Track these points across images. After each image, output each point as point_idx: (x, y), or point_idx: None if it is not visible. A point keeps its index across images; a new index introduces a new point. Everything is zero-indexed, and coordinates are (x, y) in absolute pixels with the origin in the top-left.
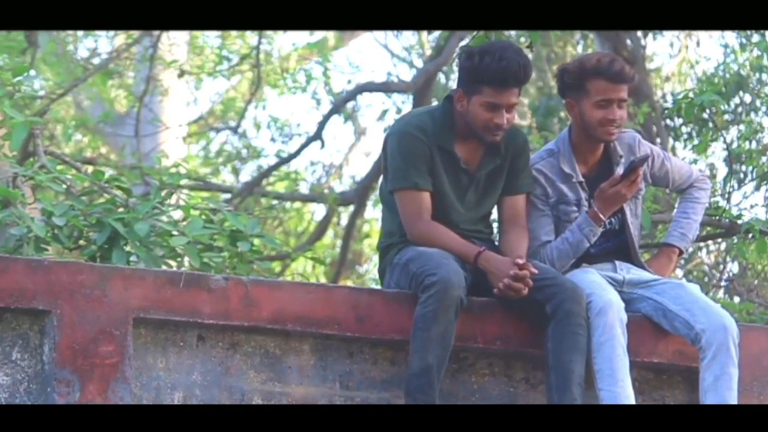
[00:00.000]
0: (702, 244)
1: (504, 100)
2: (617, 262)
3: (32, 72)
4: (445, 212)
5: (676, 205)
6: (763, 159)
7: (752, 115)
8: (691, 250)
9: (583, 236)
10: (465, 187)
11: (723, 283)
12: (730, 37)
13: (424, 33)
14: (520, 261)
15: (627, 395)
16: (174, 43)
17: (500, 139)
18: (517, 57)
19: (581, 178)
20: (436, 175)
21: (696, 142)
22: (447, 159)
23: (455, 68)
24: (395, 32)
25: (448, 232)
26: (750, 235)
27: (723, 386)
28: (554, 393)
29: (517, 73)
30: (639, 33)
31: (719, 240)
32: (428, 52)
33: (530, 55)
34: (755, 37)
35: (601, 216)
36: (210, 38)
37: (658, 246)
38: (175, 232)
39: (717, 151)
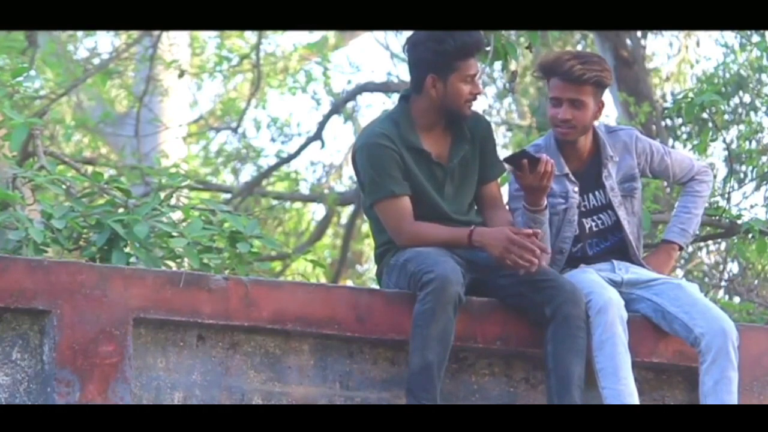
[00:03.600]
0: (702, 244)
1: (476, 69)
2: (615, 262)
3: (32, 72)
4: (432, 210)
5: (678, 200)
6: (763, 159)
7: (752, 115)
8: (691, 249)
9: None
10: (441, 181)
11: (723, 283)
12: (730, 37)
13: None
14: (514, 227)
15: (630, 392)
16: (174, 43)
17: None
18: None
19: (566, 171)
20: (412, 177)
21: (696, 142)
22: (418, 157)
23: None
24: (395, 32)
25: (435, 226)
26: (750, 235)
27: (723, 390)
28: (554, 396)
29: (482, 39)
30: (639, 33)
31: (719, 240)
32: None
33: (530, 55)
34: (755, 37)
35: (529, 206)
36: (210, 38)
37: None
38: (174, 234)
39: (717, 151)
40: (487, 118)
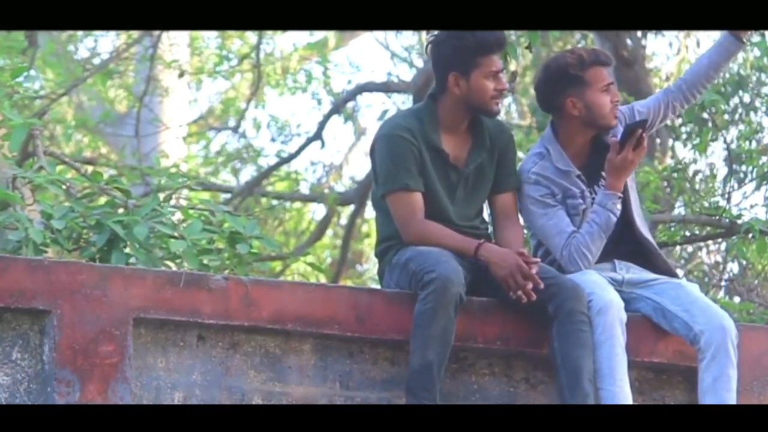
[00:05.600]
0: (702, 244)
1: (500, 65)
2: (617, 262)
3: (32, 72)
4: (439, 211)
5: (700, 59)
6: (763, 159)
7: (752, 115)
8: (691, 249)
9: (608, 212)
10: (454, 183)
11: (723, 283)
12: None
13: (424, 33)
14: (523, 251)
15: (625, 395)
16: (174, 43)
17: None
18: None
19: (578, 172)
20: (426, 176)
21: (696, 142)
22: (436, 157)
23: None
24: (395, 32)
25: (444, 229)
26: (750, 235)
27: (721, 387)
28: (566, 391)
29: (504, 37)
30: (639, 33)
31: (719, 240)
32: None
33: (530, 55)
34: (755, 37)
35: (615, 187)
36: (210, 39)
37: (661, 246)
38: (174, 235)
39: (717, 151)
40: None
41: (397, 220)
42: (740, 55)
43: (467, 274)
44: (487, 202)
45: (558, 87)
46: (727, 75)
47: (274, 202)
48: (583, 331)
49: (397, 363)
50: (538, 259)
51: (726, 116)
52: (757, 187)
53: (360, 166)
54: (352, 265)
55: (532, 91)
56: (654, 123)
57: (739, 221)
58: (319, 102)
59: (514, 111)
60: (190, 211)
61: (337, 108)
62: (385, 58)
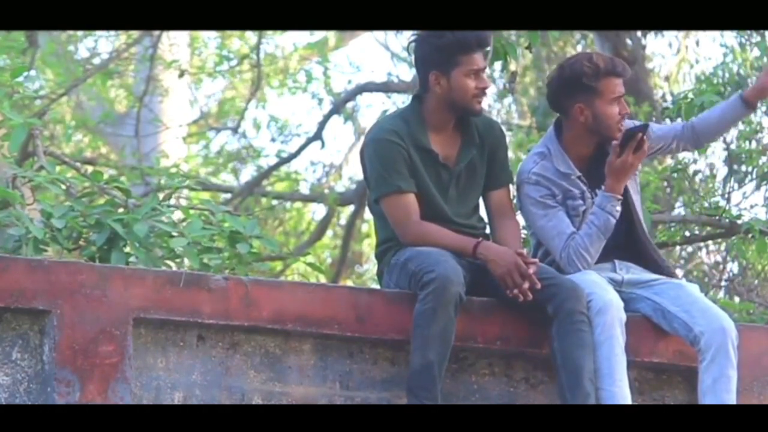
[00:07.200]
0: (702, 244)
1: (482, 63)
2: (617, 262)
3: (32, 72)
4: (436, 211)
5: (713, 110)
6: (763, 159)
7: (752, 115)
8: (691, 249)
9: (607, 214)
10: (446, 183)
11: (723, 283)
12: (730, 37)
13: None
14: (521, 251)
15: (624, 395)
16: (174, 43)
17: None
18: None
19: (579, 173)
20: (417, 176)
21: None
22: (425, 157)
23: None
24: (395, 32)
25: (442, 229)
26: (750, 235)
27: (721, 389)
28: (566, 391)
29: (486, 35)
30: (639, 33)
31: (719, 240)
32: None
33: (530, 55)
34: (755, 37)
35: (614, 189)
36: (210, 39)
37: (661, 246)
38: (174, 233)
39: (717, 151)
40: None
41: (392, 222)
42: (740, 55)
43: (466, 273)
44: (481, 199)
45: (568, 91)
46: (727, 75)
47: (274, 202)
48: (583, 331)
49: (397, 363)
50: (537, 260)
51: None
52: (757, 187)
53: (360, 166)
54: (352, 265)
55: (532, 92)
56: (658, 149)
57: (739, 221)
58: (319, 102)
59: (514, 111)
60: (190, 212)
61: (337, 108)
62: (385, 58)
